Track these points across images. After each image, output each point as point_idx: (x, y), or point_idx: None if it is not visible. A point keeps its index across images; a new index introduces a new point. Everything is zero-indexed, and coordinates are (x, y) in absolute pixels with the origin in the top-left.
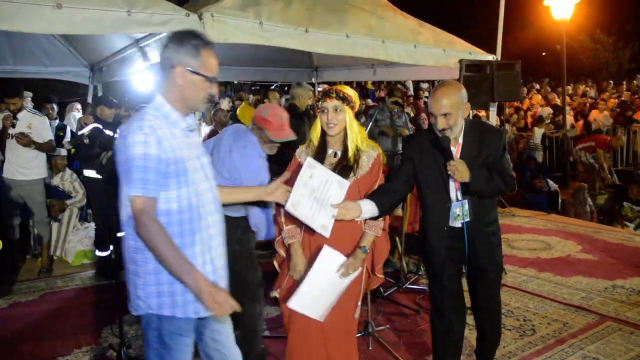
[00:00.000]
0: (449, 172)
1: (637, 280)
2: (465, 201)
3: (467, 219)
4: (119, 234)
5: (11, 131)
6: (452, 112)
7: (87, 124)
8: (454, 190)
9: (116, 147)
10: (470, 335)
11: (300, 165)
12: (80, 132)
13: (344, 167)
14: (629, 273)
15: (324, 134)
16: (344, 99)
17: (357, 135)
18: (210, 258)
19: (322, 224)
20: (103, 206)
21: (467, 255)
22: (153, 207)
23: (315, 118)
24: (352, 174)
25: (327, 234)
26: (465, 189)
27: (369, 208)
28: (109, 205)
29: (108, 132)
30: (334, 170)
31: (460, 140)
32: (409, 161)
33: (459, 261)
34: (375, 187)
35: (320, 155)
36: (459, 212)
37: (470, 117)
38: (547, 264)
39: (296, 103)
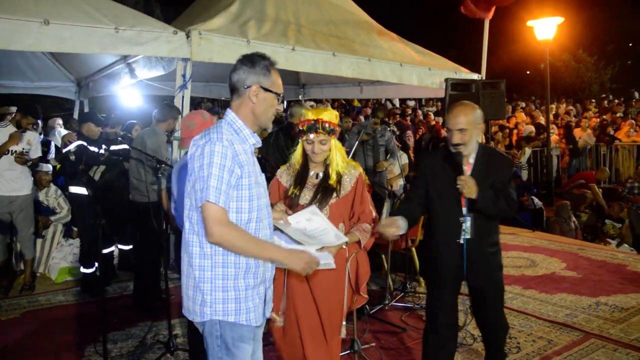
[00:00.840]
0: (458, 186)
1: (620, 298)
2: (469, 218)
3: (468, 237)
4: (105, 251)
5: (12, 148)
6: (467, 129)
7: (71, 142)
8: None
9: (191, 156)
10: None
11: (281, 186)
12: (65, 149)
13: (326, 189)
14: (613, 290)
15: (305, 155)
16: (330, 132)
17: (339, 159)
18: (263, 268)
19: (325, 262)
20: (89, 223)
21: (465, 273)
22: (225, 215)
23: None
24: (335, 195)
25: (332, 266)
26: (471, 205)
27: (404, 224)
28: (95, 222)
29: (93, 149)
30: (316, 191)
31: (472, 160)
32: (423, 180)
33: (459, 278)
34: (360, 207)
35: (302, 176)
36: (463, 228)
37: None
38: (532, 281)
39: (294, 122)
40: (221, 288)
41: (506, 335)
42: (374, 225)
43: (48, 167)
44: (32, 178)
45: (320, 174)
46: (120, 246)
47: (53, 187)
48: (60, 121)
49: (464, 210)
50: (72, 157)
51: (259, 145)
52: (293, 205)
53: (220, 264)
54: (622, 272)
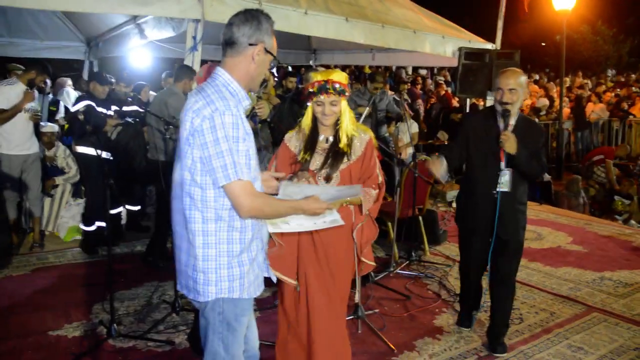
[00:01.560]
0: (501, 141)
1: (625, 273)
2: (507, 171)
3: (505, 189)
4: (113, 211)
5: (27, 106)
6: (516, 89)
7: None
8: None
9: (185, 123)
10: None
11: (290, 152)
12: (74, 108)
13: (336, 153)
14: (618, 265)
15: (315, 119)
16: (341, 92)
17: (349, 122)
18: (260, 235)
19: (331, 219)
20: (95, 182)
21: (495, 224)
22: (252, 187)
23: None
24: (345, 159)
25: (340, 222)
26: (509, 161)
27: (445, 163)
28: (103, 182)
29: (101, 110)
30: (327, 155)
31: (513, 122)
32: (465, 134)
33: (489, 228)
34: (367, 171)
35: (312, 140)
36: (501, 181)
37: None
38: (537, 254)
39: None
40: (226, 265)
41: (512, 300)
42: (379, 191)
43: (54, 128)
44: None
45: (330, 138)
46: (128, 207)
47: (62, 147)
48: (70, 81)
49: (502, 164)
50: (81, 117)
51: (250, 106)
52: (303, 170)
53: (225, 241)
54: (629, 247)
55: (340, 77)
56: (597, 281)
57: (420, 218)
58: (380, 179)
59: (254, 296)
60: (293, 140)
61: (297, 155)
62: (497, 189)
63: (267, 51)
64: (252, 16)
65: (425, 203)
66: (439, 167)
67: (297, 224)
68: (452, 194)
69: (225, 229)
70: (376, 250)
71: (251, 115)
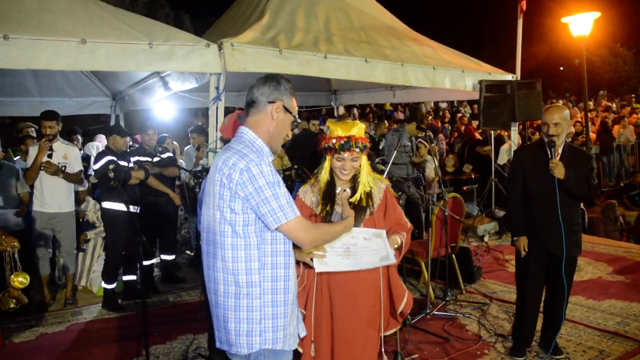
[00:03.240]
0: (550, 168)
1: None
2: (558, 195)
3: (557, 210)
4: (146, 262)
5: (45, 159)
6: (561, 123)
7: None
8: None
9: (216, 181)
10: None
11: (305, 206)
12: (99, 166)
13: (358, 208)
14: None
15: (331, 172)
16: (363, 149)
17: (367, 175)
18: (294, 285)
19: (381, 256)
20: (120, 238)
21: (563, 241)
22: (305, 221)
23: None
24: (368, 212)
25: (393, 259)
26: (559, 185)
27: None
28: (135, 238)
29: (123, 163)
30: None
31: (560, 151)
32: (520, 166)
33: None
34: (393, 219)
35: (329, 192)
36: (554, 201)
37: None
38: (577, 286)
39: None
40: (271, 315)
41: (565, 306)
42: (407, 235)
43: (84, 183)
44: (74, 194)
45: (348, 190)
46: (162, 256)
47: (92, 202)
48: (102, 138)
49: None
50: (112, 175)
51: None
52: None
53: (270, 291)
54: None
55: (360, 133)
56: None
57: (454, 256)
58: (409, 225)
59: (293, 349)
60: (309, 194)
61: (315, 208)
62: (552, 211)
63: (286, 110)
64: (270, 78)
65: (458, 241)
66: (524, 243)
67: (353, 262)
68: (483, 227)
69: (270, 279)
70: (411, 292)
71: None
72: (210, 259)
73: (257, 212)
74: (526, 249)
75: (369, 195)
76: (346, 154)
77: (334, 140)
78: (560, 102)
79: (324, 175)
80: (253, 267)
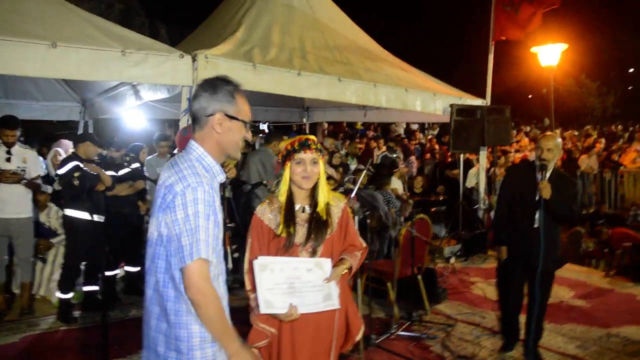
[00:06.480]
0: (539, 188)
1: (632, 330)
2: (539, 212)
3: (537, 225)
4: (109, 273)
5: (3, 166)
6: (553, 149)
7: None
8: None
9: (157, 198)
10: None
11: (264, 226)
12: (64, 171)
13: (318, 222)
14: (623, 321)
15: (289, 188)
16: (321, 151)
17: (325, 186)
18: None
19: (324, 294)
20: (81, 247)
21: (532, 256)
22: (208, 271)
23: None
24: (329, 230)
25: (337, 305)
26: (544, 204)
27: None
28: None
29: (88, 170)
30: (309, 227)
31: (548, 175)
32: (510, 182)
33: (527, 260)
34: (348, 239)
35: (289, 211)
36: (537, 218)
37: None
38: None
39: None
40: (199, 346)
41: (543, 316)
42: (361, 255)
43: (46, 188)
44: (32, 200)
45: (307, 208)
46: (127, 268)
47: (54, 208)
48: (66, 142)
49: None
50: (76, 182)
51: (224, 181)
52: (288, 246)
53: (197, 322)
54: (632, 301)
55: (314, 137)
56: (604, 338)
57: (420, 277)
58: (365, 244)
59: None
60: (267, 214)
61: (275, 229)
62: (535, 225)
63: (231, 117)
64: (208, 85)
65: (424, 262)
66: (505, 250)
67: (297, 302)
68: (449, 249)
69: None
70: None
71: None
72: (152, 276)
73: (178, 240)
74: (507, 256)
75: (327, 211)
76: (306, 153)
77: (291, 142)
78: (528, 128)
79: (283, 187)
80: (182, 296)
